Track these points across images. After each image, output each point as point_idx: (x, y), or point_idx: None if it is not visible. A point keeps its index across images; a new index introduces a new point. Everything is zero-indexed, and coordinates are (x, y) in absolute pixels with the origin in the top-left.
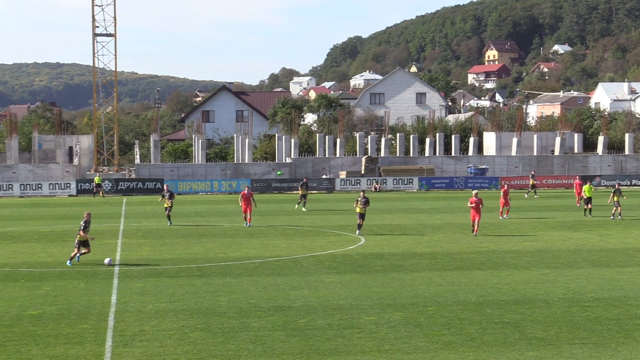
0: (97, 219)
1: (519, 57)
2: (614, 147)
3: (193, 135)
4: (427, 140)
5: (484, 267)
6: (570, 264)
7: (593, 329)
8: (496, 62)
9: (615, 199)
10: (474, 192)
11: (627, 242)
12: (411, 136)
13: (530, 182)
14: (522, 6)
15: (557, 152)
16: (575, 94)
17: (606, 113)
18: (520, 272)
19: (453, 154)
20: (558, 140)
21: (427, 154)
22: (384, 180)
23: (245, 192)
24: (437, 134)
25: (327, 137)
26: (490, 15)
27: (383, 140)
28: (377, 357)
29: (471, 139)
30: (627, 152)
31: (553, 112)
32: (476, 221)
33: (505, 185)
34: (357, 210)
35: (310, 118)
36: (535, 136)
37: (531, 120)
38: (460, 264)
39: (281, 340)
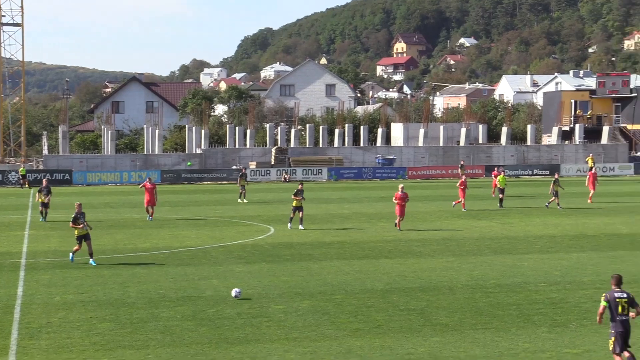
0: (4, 210)
1: (426, 49)
2: (517, 137)
3: (102, 126)
4: (337, 131)
5: (391, 256)
6: (474, 252)
7: (495, 314)
8: (404, 55)
9: (556, 188)
10: (400, 186)
11: (528, 230)
12: (320, 127)
13: (461, 173)
14: (430, 0)
15: (462, 143)
16: (480, 86)
17: (509, 105)
18: (426, 260)
19: (361, 145)
20: (463, 131)
21: (336, 144)
22: (294, 171)
23: (148, 183)
24: (346, 125)
25: (237, 128)
26: (398, 8)
27: (293, 131)
28: (286, 345)
29: (379, 130)
30: (529, 142)
31: (459, 104)
32: (401, 216)
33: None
34: (294, 203)
35: (220, 109)
36: (441, 127)
37: (438, 111)
38: (368, 252)
39: (190, 330)
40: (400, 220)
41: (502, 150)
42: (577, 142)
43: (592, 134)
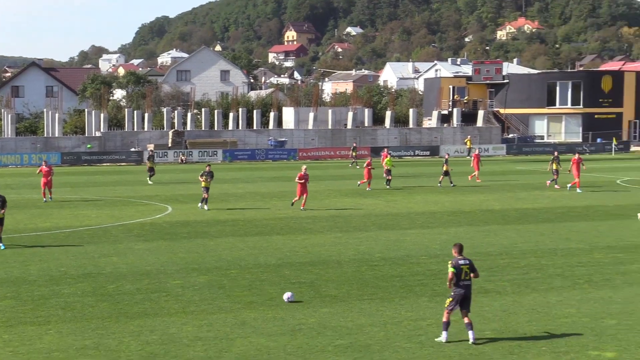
0: None
1: (315, 38)
2: (400, 121)
3: (2, 110)
4: (231, 115)
5: (283, 232)
6: (360, 228)
7: (380, 286)
8: (295, 43)
9: (446, 168)
10: (303, 167)
11: (410, 207)
12: (216, 111)
13: (353, 154)
14: None
15: (349, 126)
16: (366, 72)
17: (393, 90)
18: (315, 236)
19: (255, 128)
20: (350, 115)
21: (230, 127)
22: (190, 153)
23: (44, 167)
24: (240, 109)
25: (135, 112)
26: None
27: (189, 115)
28: (183, 318)
29: (271, 114)
30: (411, 125)
31: (346, 89)
32: (304, 196)
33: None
34: (202, 184)
35: (119, 94)
36: (330, 111)
37: (326, 96)
38: (261, 229)
39: (91, 306)
40: (298, 200)
41: (387, 133)
42: (455, 125)
43: (468, 118)
